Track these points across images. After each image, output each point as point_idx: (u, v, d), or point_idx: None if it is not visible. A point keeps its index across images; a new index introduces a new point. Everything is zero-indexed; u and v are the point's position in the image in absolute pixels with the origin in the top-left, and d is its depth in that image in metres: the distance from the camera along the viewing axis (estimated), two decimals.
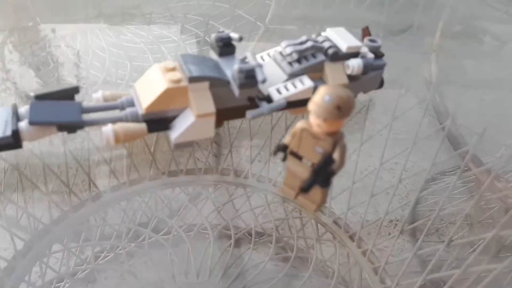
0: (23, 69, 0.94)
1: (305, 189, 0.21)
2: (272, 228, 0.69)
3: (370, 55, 0.27)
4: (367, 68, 0.26)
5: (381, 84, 0.29)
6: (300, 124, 0.22)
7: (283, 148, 0.23)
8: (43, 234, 0.58)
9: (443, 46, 0.81)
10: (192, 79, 0.23)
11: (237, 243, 0.73)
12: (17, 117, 0.22)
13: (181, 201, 0.71)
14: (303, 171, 0.22)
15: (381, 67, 0.27)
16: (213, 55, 0.26)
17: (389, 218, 0.81)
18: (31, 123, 0.21)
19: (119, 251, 0.69)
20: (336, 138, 0.21)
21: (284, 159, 0.23)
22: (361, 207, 0.68)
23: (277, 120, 0.64)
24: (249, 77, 0.23)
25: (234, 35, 0.25)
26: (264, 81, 0.23)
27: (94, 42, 0.94)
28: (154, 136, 0.69)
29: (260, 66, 0.23)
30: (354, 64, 0.25)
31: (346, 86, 0.26)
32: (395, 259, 0.59)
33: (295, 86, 0.25)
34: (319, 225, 0.66)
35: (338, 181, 0.83)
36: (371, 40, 0.27)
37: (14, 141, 0.21)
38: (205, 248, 0.62)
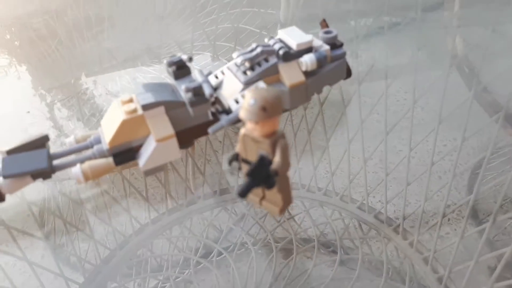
0: (73, 123, 1.01)
1: (240, 194, 0.21)
2: (319, 233, 0.68)
3: (325, 47, 0.26)
4: (322, 61, 0.26)
5: (348, 74, 0.28)
6: (242, 130, 0.22)
7: (235, 157, 0.23)
8: (95, 275, 0.61)
9: (464, 16, 0.77)
10: (145, 107, 0.24)
11: (287, 253, 0.72)
12: None
13: (225, 219, 0.73)
14: None
15: (341, 57, 0.27)
16: (171, 80, 0.27)
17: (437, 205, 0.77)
18: (5, 176, 0.23)
19: (177, 280, 0.71)
20: (274, 139, 0.21)
21: (240, 167, 0.23)
22: (401, 198, 0.65)
23: (298, 124, 0.64)
24: (198, 95, 0.24)
25: (184, 57, 0.26)
26: (211, 95, 0.23)
27: (124, 87, 0.99)
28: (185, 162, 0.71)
29: (207, 81, 0.24)
30: (307, 60, 0.25)
31: (304, 83, 0.26)
32: (443, 245, 0.57)
33: None
34: (361, 223, 0.65)
35: (374, 175, 0.81)
36: (326, 32, 0.27)
37: None
38: (248, 263, 0.63)
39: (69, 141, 0.25)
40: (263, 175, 0.21)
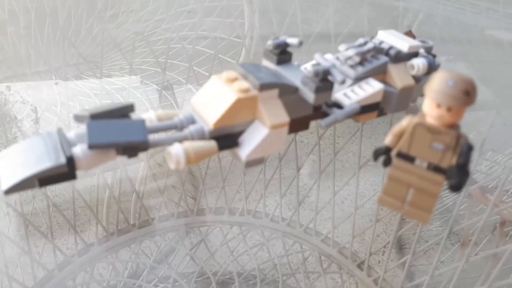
0: None
1: (456, 187, 0.18)
2: (273, 267, 0.65)
3: (430, 56, 0.25)
4: (432, 67, 0.24)
5: None
6: (410, 120, 0.19)
7: (385, 151, 0.20)
8: None
9: None
10: (263, 87, 0.20)
11: None
12: (68, 143, 0.18)
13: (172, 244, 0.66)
14: (414, 175, 0.20)
15: (438, 68, 0.26)
16: (269, 64, 0.23)
17: (376, 246, 0.80)
18: (91, 146, 0.17)
19: None
20: (458, 132, 0.19)
21: (387, 163, 0.20)
22: (362, 235, 0.66)
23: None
24: (325, 80, 0.21)
25: (291, 41, 0.23)
26: (344, 81, 0.21)
27: (49, 96, 0.89)
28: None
29: (335, 66, 0.21)
30: (419, 63, 0.24)
31: (413, 87, 0.24)
32: (409, 284, 0.57)
33: (363, 89, 0.23)
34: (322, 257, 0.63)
35: (341, 206, 0.80)
36: (422, 41, 0.26)
37: (68, 170, 0.18)
38: None
39: (149, 117, 0.21)
40: (466, 170, 0.18)
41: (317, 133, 0.60)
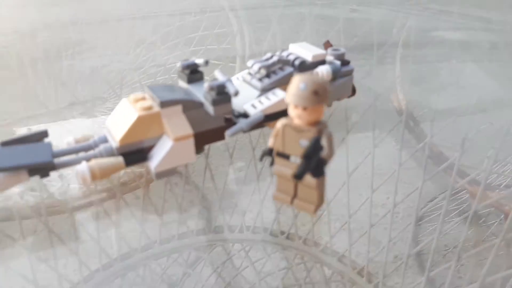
0: None
1: (297, 175, 0.20)
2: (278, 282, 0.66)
3: (337, 62, 0.27)
4: (336, 73, 0.26)
5: (353, 91, 0.29)
6: (280, 121, 0.21)
7: (268, 152, 0.22)
8: None
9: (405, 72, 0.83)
10: (164, 104, 0.23)
11: None
12: None
13: (179, 268, 0.68)
14: (292, 170, 0.21)
15: (349, 73, 0.27)
16: (182, 84, 0.26)
17: (393, 254, 0.79)
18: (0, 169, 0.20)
19: None
20: (319, 127, 0.20)
21: (272, 163, 0.22)
22: (361, 244, 0.65)
23: (263, 162, 0.63)
24: (221, 93, 0.23)
25: (199, 61, 0.25)
26: (236, 93, 0.23)
27: (70, 133, 0.94)
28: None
29: (230, 80, 0.23)
30: (323, 70, 0.26)
31: None
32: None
33: (268, 99, 0.25)
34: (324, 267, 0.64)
35: (333, 220, 0.81)
36: (335, 49, 0.28)
37: None
38: None
39: (68, 141, 0.23)
40: (316, 161, 0.20)
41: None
